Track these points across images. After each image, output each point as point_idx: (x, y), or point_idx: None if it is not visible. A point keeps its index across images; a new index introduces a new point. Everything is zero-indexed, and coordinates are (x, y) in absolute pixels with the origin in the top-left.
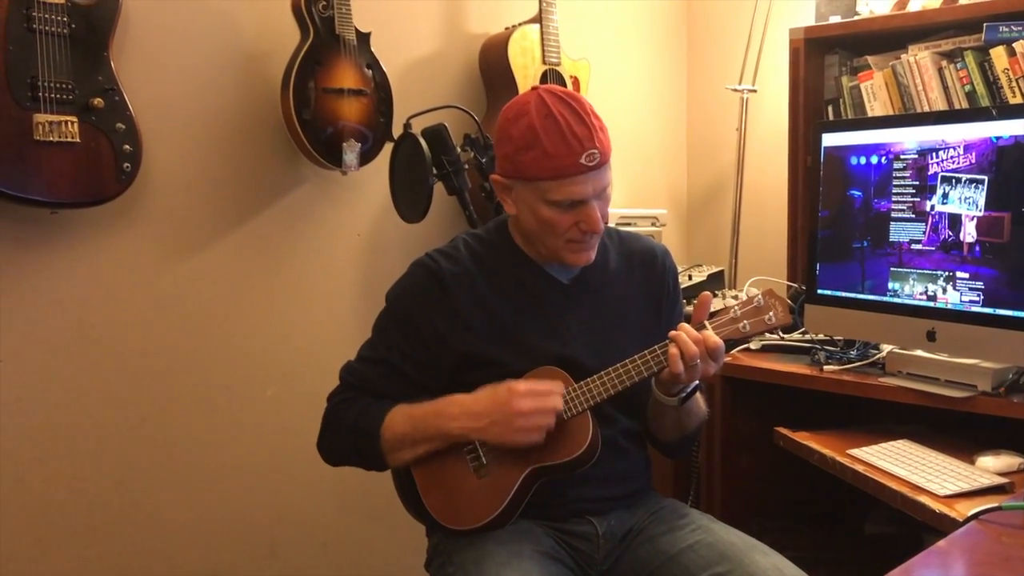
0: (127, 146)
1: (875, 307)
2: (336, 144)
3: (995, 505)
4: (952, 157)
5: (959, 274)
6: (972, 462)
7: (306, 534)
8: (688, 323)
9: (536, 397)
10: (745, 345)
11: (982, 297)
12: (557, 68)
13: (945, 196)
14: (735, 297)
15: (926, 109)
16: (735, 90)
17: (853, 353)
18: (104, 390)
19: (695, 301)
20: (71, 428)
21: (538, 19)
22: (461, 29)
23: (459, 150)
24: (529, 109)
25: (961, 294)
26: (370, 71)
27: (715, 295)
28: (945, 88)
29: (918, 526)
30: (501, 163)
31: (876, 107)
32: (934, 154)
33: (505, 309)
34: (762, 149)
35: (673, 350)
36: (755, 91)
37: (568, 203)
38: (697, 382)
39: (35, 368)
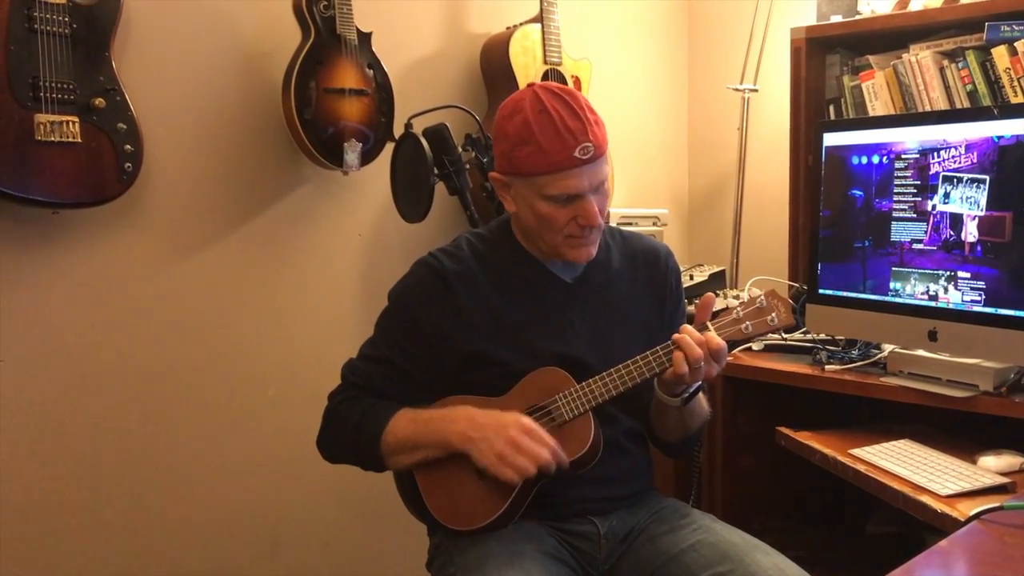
0: (128, 146)
1: (877, 307)
2: (337, 144)
3: (997, 505)
4: (953, 157)
5: (960, 274)
6: (974, 462)
7: (308, 534)
8: (690, 323)
9: (535, 440)
10: (747, 345)
11: (984, 297)
12: (558, 68)
13: (946, 196)
14: (736, 297)
15: (927, 109)
16: (736, 90)
17: (855, 353)
18: (105, 390)
19: (697, 301)
20: (72, 428)
21: (539, 19)
22: (462, 29)
23: (460, 150)
24: (524, 105)
25: (963, 294)
26: (371, 71)
27: (716, 295)
28: (947, 87)
29: (920, 526)
30: (499, 160)
31: (877, 107)
32: (935, 154)
33: (508, 308)
34: (763, 149)
35: (677, 353)
36: (756, 91)
37: (564, 197)
38: (700, 382)
39: (36, 368)
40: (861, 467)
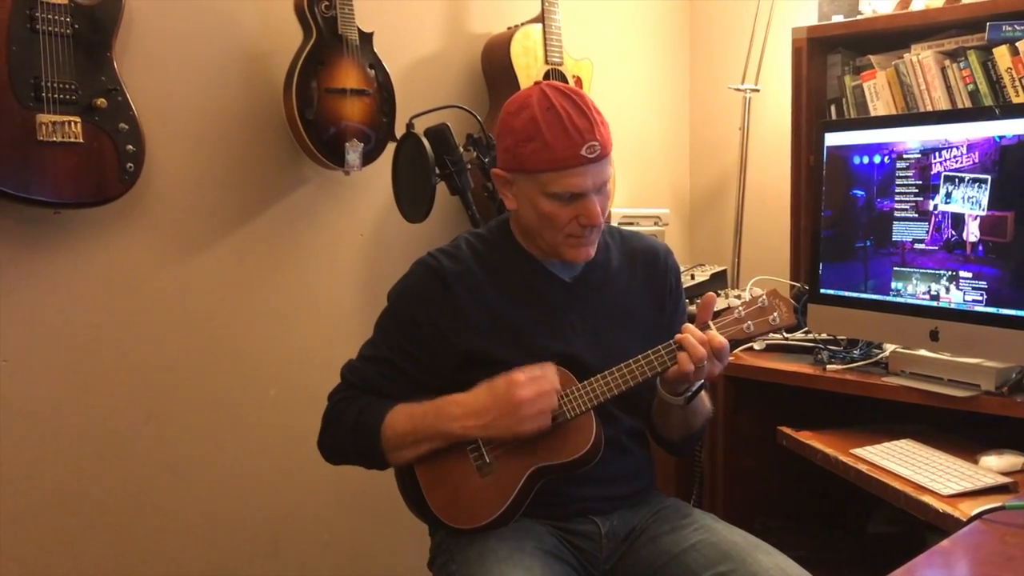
0: (130, 146)
1: (878, 307)
2: (339, 144)
3: (998, 505)
4: (955, 156)
5: (962, 273)
6: (975, 462)
7: (309, 533)
8: (691, 323)
9: (534, 382)
10: (748, 345)
11: (985, 296)
12: (560, 68)
13: (948, 195)
14: (738, 297)
15: (929, 108)
16: (738, 90)
17: (856, 353)
18: (107, 390)
19: (698, 301)
20: (74, 428)
21: (540, 19)
22: (463, 29)
23: (462, 150)
24: (531, 102)
25: (964, 293)
26: (373, 71)
27: (718, 295)
28: (948, 87)
29: (921, 526)
30: (502, 156)
31: (879, 106)
32: (937, 153)
33: (507, 307)
34: (765, 149)
35: (681, 352)
36: (758, 91)
37: (568, 196)
38: (703, 381)
39: (38, 368)
40: (863, 467)
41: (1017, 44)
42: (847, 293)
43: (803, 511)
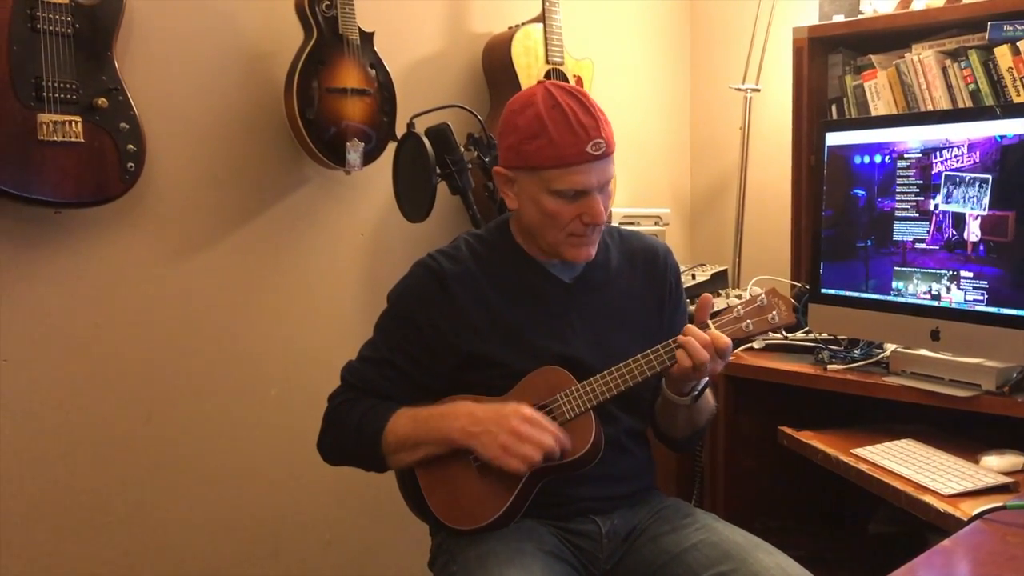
0: (131, 146)
1: (879, 306)
2: (339, 144)
3: (999, 504)
4: (956, 156)
5: (963, 273)
6: (976, 461)
7: (309, 533)
8: (691, 323)
9: (537, 427)
10: (749, 344)
11: (986, 296)
12: (560, 67)
13: (949, 195)
14: (738, 296)
15: (930, 108)
16: (739, 89)
17: (857, 352)
18: (108, 390)
19: (695, 302)
20: (75, 427)
21: (541, 18)
22: (464, 29)
23: (463, 149)
24: (536, 100)
25: (965, 293)
26: (373, 71)
27: (718, 294)
28: (949, 87)
29: (922, 526)
30: (505, 154)
31: (880, 106)
32: (938, 153)
33: (507, 308)
34: (766, 148)
35: (681, 353)
36: (758, 90)
37: (572, 193)
38: (707, 379)
39: (39, 368)
40: (863, 467)
41: (1018, 44)
42: (848, 293)
43: (804, 511)
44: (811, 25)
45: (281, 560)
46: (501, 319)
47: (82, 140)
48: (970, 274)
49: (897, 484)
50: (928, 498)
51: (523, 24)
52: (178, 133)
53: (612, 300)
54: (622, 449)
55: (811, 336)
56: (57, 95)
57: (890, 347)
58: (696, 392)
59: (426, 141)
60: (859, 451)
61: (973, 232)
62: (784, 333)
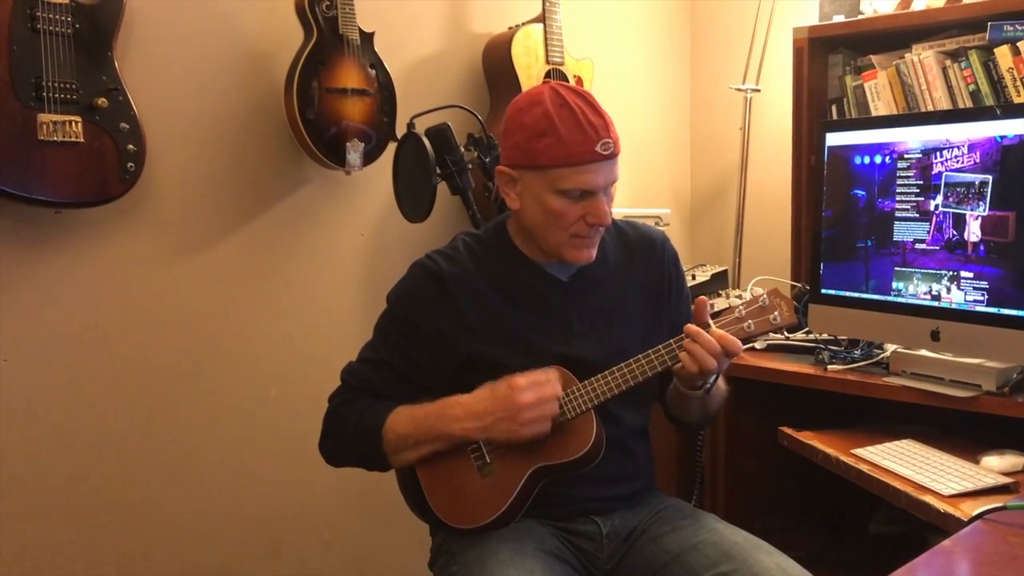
0: (131, 146)
1: (879, 307)
2: (340, 144)
3: (1000, 505)
4: (956, 156)
5: (963, 273)
6: (976, 462)
7: (310, 533)
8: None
9: (536, 387)
10: (749, 345)
11: (986, 296)
12: (560, 68)
13: (948, 196)
14: (739, 297)
15: (930, 108)
16: (739, 90)
17: (857, 353)
18: (108, 389)
19: (693, 306)
20: (75, 427)
21: (541, 18)
22: (464, 29)
23: (463, 150)
24: (543, 99)
25: (965, 293)
26: (373, 71)
27: (719, 295)
28: (949, 87)
29: (922, 526)
30: (510, 153)
31: (880, 106)
32: (938, 153)
33: (506, 309)
34: (766, 148)
35: (686, 357)
36: (759, 91)
37: (578, 193)
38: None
39: (39, 368)
40: (864, 467)
41: (1018, 44)
42: (848, 293)
43: (804, 511)
44: (811, 25)
45: (281, 560)
46: (500, 320)
47: (82, 140)
48: (970, 274)
49: (897, 484)
50: (928, 498)
51: (523, 24)
52: (178, 133)
53: (611, 295)
54: (623, 449)
55: (811, 336)
56: (57, 95)
57: (890, 347)
58: (708, 385)
59: (426, 141)
60: (859, 451)
61: (973, 232)
62: (785, 333)
